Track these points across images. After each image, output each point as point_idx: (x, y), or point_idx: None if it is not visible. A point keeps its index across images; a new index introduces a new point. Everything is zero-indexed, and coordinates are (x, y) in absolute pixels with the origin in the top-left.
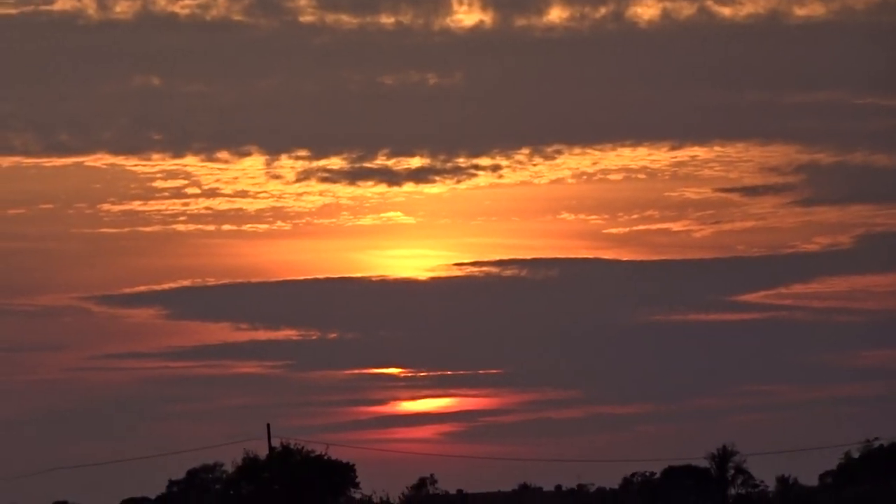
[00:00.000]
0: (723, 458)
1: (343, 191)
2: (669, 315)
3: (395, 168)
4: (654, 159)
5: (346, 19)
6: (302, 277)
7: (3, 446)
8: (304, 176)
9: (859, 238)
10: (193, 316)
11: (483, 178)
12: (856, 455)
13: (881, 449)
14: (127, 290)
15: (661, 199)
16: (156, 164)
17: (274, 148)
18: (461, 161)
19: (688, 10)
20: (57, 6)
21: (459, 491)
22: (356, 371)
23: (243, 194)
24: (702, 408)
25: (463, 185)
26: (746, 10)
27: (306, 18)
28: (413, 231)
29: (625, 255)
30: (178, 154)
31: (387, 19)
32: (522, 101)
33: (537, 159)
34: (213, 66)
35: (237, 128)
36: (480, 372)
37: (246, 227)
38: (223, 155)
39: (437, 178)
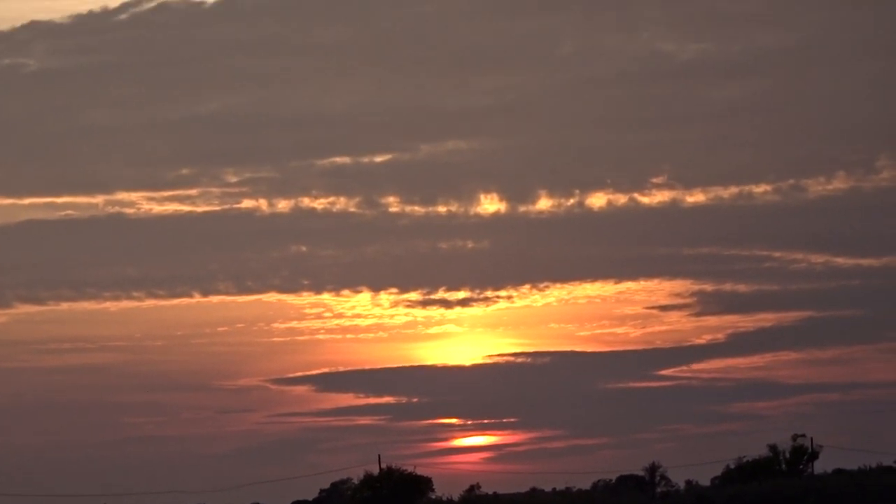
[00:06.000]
0: (652, 470)
1: (419, 312)
2: (617, 384)
3: (450, 298)
4: (605, 290)
5: (418, 209)
6: (395, 365)
7: (218, 471)
8: (394, 304)
9: (729, 335)
10: (331, 390)
11: (503, 304)
12: (733, 466)
13: (748, 462)
14: (290, 375)
15: (610, 314)
16: (305, 299)
17: (376, 288)
18: (489, 293)
19: (622, 199)
20: (244, 204)
21: (494, 492)
22: (430, 421)
23: (359, 316)
24: (639, 440)
25: (490, 308)
26: (658, 198)
27: (393, 209)
28: (461, 336)
29: (589, 349)
30: (318, 292)
31: (441, 208)
32: (526, 260)
33: (534, 292)
34: (339, 239)
35: (354, 277)
36: (504, 420)
37: (361, 335)
38: (346, 293)
39: (474, 304)
